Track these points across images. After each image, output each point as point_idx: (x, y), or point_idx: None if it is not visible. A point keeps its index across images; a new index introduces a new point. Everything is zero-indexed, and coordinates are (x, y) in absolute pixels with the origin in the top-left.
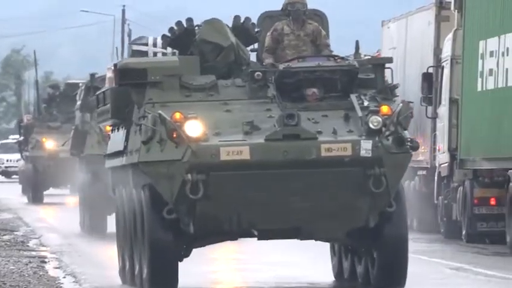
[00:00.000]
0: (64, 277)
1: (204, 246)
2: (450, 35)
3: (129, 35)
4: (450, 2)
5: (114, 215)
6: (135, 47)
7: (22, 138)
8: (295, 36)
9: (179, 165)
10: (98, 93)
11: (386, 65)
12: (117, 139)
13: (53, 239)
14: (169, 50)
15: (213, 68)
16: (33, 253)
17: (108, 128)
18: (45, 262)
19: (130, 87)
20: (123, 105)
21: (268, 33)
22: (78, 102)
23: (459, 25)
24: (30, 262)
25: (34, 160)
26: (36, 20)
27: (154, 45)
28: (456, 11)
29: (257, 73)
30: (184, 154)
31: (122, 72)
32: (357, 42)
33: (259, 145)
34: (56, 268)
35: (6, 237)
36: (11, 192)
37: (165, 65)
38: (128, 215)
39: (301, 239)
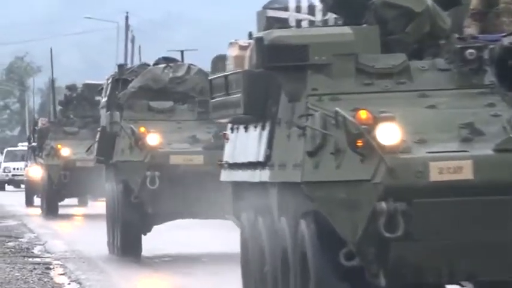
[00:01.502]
0: (69, 284)
1: None
2: None
3: (133, 42)
4: None
5: (149, 234)
6: (271, 13)
7: (36, 143)
8: None
9: (368, 189)
10: (212, 77)
11: None
12: (246, 143)
13: (57, 246)
14: (317, 17)
15: (399, 44)
16: (38, 260)
17: (143, 129)
18: (50, 269)
19: (278, 72)
20: (261, 96)
21: None
22: (104, 99)
23: None
24: (35, 269)
25: (48, 168)
26: (38, 27)
27: (298, 9)
28: None
29: (470, 51)
30: (375, 172)
31: (272, 50)
32: None
33: (486, 158)
34: (61, 275)
35: (10, 244)
36: (16, 200)
37: (334, 40)
38: (272, 251)
39: None
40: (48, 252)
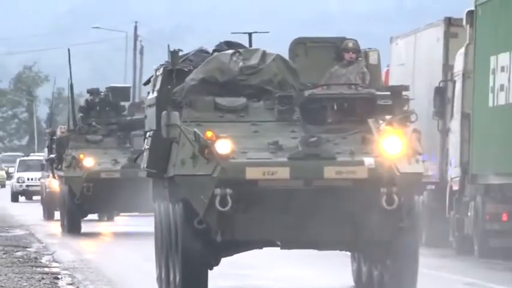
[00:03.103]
0: None
1: None
2: (462, 50)
3: (141, 52)
4: (459, 19)
5: (216, 268)
6: None
7: (55, 154)
8: None
9: None
10: None
11: None
12: None
13: (65, 255)
14: None
15: None
16: (46, 269)
17: (210, 134)
18: (58, 278)
19: None
20: None
21: None
22: (152, 95)
23: (471, 39)
24: (43, 278)
25: (69, 181)
26: (47, 37)
27: None
28: (468, 25)
29: None
30: None
31: None
32: None
33: None
34: (69, 284)
35: (19, 254)
36: (27, 210)
37: None
38: None
39: None
40: (56, 262)
